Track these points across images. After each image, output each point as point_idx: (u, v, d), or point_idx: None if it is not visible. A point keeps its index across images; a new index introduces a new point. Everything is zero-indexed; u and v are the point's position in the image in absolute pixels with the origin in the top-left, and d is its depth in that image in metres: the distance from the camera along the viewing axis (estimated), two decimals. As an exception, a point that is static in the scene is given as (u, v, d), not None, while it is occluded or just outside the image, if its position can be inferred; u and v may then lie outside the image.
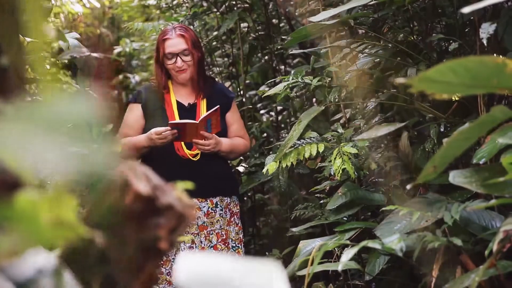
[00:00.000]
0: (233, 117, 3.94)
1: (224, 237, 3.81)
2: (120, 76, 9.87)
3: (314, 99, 4.85)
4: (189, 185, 1.37)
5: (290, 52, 4.93)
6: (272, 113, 5.73)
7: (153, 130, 3.64)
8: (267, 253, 4.70)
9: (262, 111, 5.86)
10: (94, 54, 2.61)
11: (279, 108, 5.57)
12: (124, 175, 1.28)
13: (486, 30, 2.61)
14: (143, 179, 1.29)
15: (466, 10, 2.19)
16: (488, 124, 1.99)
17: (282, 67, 5.51)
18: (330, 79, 3.56)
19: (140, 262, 1.27)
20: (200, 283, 0.92)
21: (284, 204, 4.88)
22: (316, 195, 4.11)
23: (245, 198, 5.37)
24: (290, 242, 4.42)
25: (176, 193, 1.32)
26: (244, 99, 5.30)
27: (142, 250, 1.27)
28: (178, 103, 3.84)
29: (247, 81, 5.40)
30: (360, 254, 3.58)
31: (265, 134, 5.47)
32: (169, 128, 3.60)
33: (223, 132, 3.82)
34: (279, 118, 5.55)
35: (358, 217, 3.71)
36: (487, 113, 1.91)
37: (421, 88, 1.85)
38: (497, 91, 1.88)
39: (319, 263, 3.04)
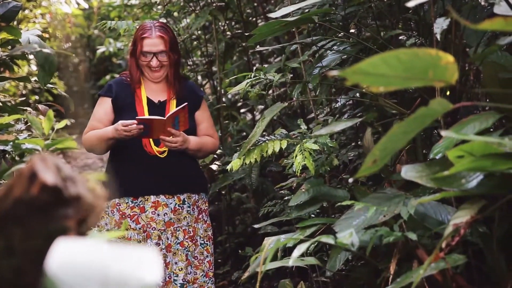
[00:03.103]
0: (202, 116, 3.92)
1: (192, 234, 3.79)
2: (108, 77, 9.88)
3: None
4: (102, 177, 1.37)
5: (257, 50, 4.93)
6: (256, 113, 5.73)
7: (120, 122, 3.61)
8: (240, 251, 4.70)
9: (242, 110, 5.86)
10: (46, 50, 2.59)
11: (261, 107, 5.57)
12: (32, 166, 1.29)
13: (440, 25, 2.61)
14: (52, 170, 1.29)
15: (411, 4, 2.20)
16: (427, 117, 1.98)
17: (262, 65, 5.50)
18: (291, 75, 3.56)
19: (49, 253, 1.27)
20: (71, 271, 0.92)
21: (259, 202, 4.88)
22: (282, 191, 4.11)
23: (221, 197, 5.38)
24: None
25: (88, 184, 1.32)
26: (223, 98, 5.31)
27: (51, 241, 1.27)
28: (148, 99, 3.82)
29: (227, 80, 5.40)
30: (328, 250, 3.59)
31: (244, 133, 5.47)
32: (135, 121, 3.58)
33: (192, 130, 3.80)
34: (258, 117, 5.55)
35: (329, 213, 3.71)
36: (425, 106, 1.91)
37: (356, 81, 1.85)
38: (434, 84, 1.88)
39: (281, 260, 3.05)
